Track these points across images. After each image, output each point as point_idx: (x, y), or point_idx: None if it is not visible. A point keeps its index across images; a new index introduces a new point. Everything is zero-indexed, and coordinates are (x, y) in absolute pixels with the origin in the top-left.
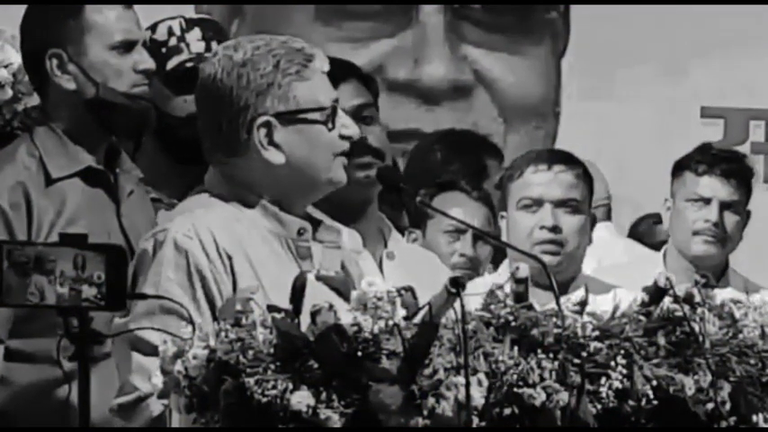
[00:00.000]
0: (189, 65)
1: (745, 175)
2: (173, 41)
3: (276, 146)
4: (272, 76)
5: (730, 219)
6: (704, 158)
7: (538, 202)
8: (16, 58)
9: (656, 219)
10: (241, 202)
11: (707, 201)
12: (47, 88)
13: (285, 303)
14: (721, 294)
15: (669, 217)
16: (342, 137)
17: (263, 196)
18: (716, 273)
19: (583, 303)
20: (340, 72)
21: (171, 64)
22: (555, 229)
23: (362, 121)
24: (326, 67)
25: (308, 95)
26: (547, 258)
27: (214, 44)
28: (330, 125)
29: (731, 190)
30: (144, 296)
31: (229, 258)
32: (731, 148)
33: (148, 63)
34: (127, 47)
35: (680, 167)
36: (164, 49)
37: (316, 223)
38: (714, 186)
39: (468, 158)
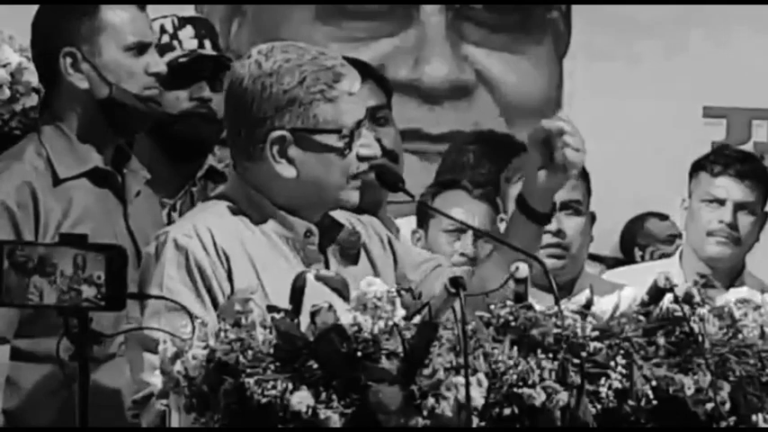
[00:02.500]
0: (182, 60)
1: (762, 176)
2: (165, 39)
3: (289, 160)
4: (295, 92)
5: (745, 220)
6: (719, 159)
7: None
8: (14, 58)
9: (661, 216)
10: (252, 204)
11: (721, 201)
12: (58, 87)
13: (288, 305)
14: (737, 293)
15: (685, 217)
16: (360, 158)
17: (274, 201)
18: (732, 274)
19: (588, 305)
20: None
21: (164, 60)
22: (559, 233)
23: (376, 122)
24: (356, 88)
25: (330, 116)
26: (552, 262)
27: (206, 42)
28: (347, 150)
29: (746, 191)
30: (143, 296)
31: (226, 257)
32: (748, 151)
33: (160, 66)
34: (140, 48)
35: (696, 168)
36: (156, 47)
37: (338, 227)
38: (729, 187)
39: (499, 162)
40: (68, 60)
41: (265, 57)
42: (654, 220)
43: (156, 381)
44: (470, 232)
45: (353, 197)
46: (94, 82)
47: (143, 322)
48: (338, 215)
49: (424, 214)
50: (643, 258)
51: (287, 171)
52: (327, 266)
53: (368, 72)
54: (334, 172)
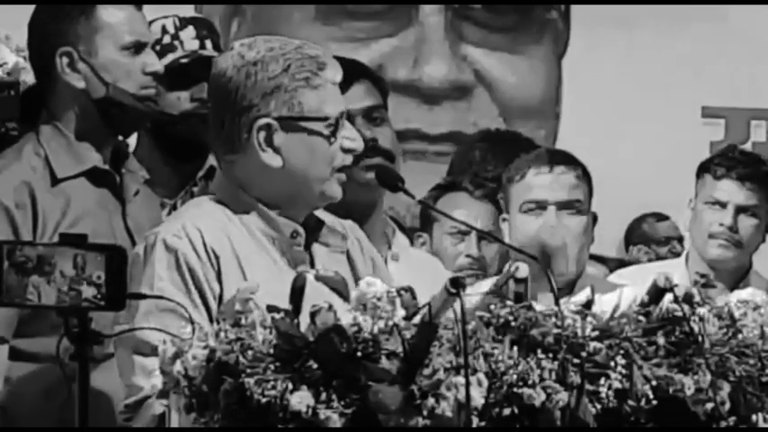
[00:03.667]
0: (183, 61)
1: (765, 179)
2: (166, 39)
3: (275, 149)
4: (280, 79)
5: (746, 222)
6: (723, 162)
7: (541, 205)
8: (11, 58)
9: (659, 217)
10: (238, 203)
11: (723, 204)
12: (55, 86)
13: (274, 304)
14: (741, 294)
15: (690, 218)
16: (345, 150)
17: (258, 198)
18: (737, 275)
19: (588, 304)
20: (352, 73)
21: (165, 61)
22: None
23: (372, 122)
24: (339, 78)
25: (315, 104)
26: None
27: (208, 42)
28: (332, 139)
29: (748, 194)
30: (143, 296)
31: (216, 256)
32: (753, 152)
33: (157, 66)
34: (137, 48)
35: (702, 169)
36: (158, 47)
37: (320, 226)
38: (731, 190)
39: (506, 158)
40: (65, 60)
41: (248, 47)
42: (651, 220)
43: (155, 382)
44: (474, 233)
45: (337, 191)
46: (91, 81)
47: (135, 324)
48: (323, 216)
49: (428, 218)
50: (632, 257)
51: (273, 160)
52: (313, 266)
53: (364, 72)
54: (318, 160)
